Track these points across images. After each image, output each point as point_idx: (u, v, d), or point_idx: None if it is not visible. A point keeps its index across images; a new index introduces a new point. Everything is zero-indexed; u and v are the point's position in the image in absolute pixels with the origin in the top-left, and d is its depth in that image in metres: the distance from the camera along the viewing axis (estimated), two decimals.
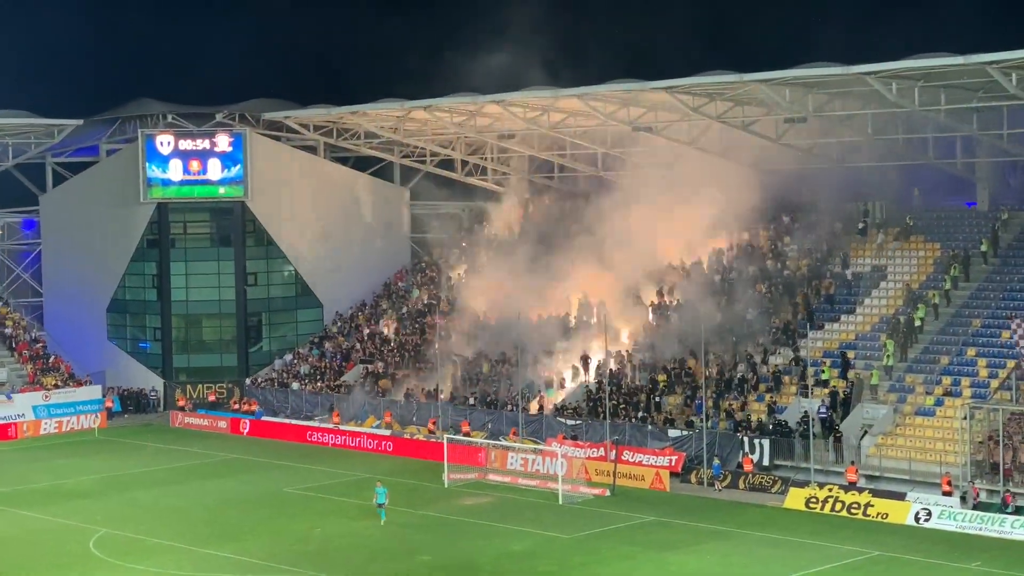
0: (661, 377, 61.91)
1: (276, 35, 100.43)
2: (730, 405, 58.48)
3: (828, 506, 50.07)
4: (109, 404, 74.47)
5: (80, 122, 79.46)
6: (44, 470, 61.25)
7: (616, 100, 65.39)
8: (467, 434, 61.08)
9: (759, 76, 57.29)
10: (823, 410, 55.36)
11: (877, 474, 52.41)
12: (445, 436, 58.76)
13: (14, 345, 76.41)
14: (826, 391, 56.82)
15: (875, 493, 50.04)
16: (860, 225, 66.33)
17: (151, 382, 78.70)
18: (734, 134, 65.77)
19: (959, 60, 52.12)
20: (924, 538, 46.36)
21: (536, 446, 58.21)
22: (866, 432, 54.57)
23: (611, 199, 72.01)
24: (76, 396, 72.69)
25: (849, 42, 70.81)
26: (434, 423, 64.01)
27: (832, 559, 43.69)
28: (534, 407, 63.21)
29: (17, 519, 51.37)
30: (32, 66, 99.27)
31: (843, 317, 61.83)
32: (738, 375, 60.23)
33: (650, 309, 67.50)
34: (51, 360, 75.84)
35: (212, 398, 76.29)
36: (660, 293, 67.87)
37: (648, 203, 68.78)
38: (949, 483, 49.48)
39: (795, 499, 51.09)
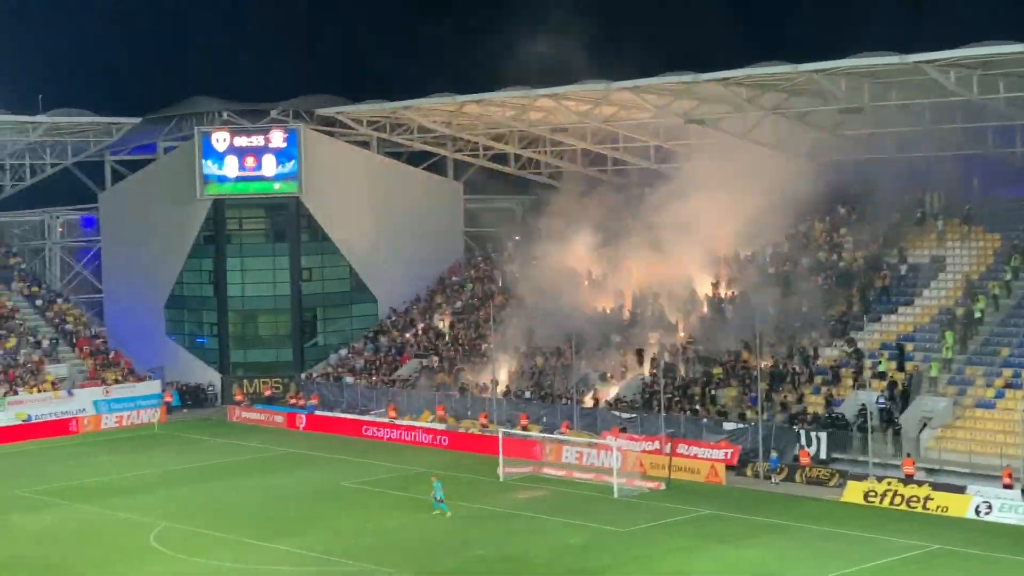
0: (716, 370, 61.68)
1: (325, 32, 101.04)
2: (785, 398, 58.18)
3: (887, 499, 49.68)
4: (168, 399, 75.17)
5: (138, 120, 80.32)
6: (105, 464, 61.94)
7: (669, 92, 65.20)
8: (525, 428, 61.14)
9: (814, 66, 56.87)
10: (881, 400, 54.93)
11: (937, 467, 51.96)
12: (500, 430, 58.85)
13: (75, 341, 77.28)
14: (884, 384, 56.39)
15: (935, 486, 49.56)
16: (918, 214, 65.78)
17: (208, 377, 79.39)
18: (788, 125, 65.38)
19: (1017, 48, 51.49)
20: (984, 531, 45.93)
21: (591, 439, 58.17)
22: (925, 425, 54.12)
23: (665, 192, 71.77)
24: (136, 391, 73.49)
25: (897, 32, 70.28)
26: (485, 417, 64.15)
27: (891, 553, 43.37)
28: (588, 400, 63.17)
29: (78, 513, 51.98)
30: (91, 65, 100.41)
31: (901, 309, 61.31)
32: (794, 368, 59.90)
33: (705, 301, 67.27)
34: (111, 355, 76.65)
35: (267, 393, 76.80)
36: (715, 285, 67.62)
37: (702, 195, 68.46)
38: (1010, 476, 48.94)
39: (853, 492, 50.73)
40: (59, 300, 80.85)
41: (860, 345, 58.71)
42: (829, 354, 60.14)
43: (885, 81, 58.73)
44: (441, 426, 65.07)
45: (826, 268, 65.88)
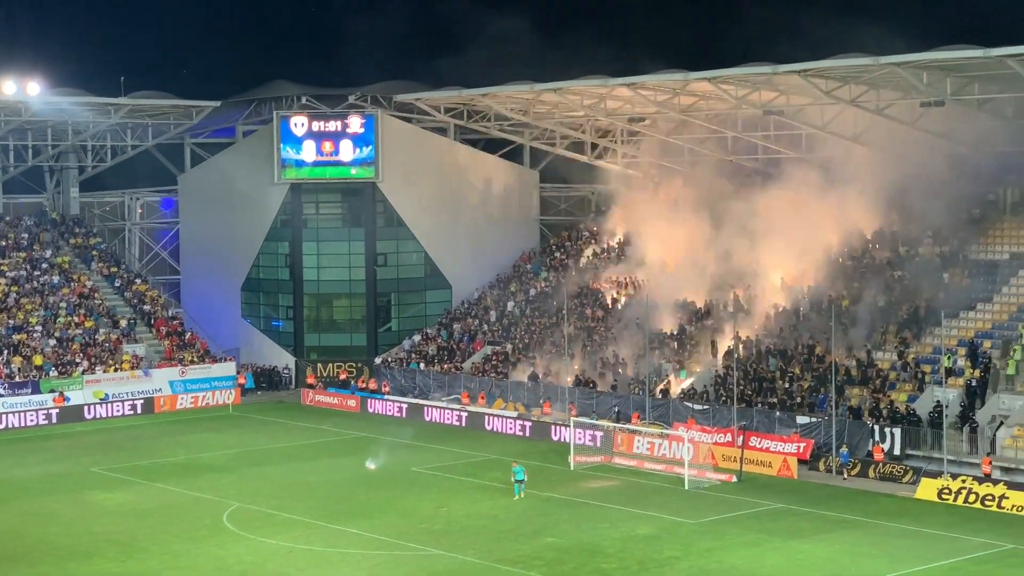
0: (795, 370, 61.18)
1: (404, 17, 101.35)
2: (860, 393, 57.67)
3: (961, 497, 49.14)
4: (242, 381, 75.87)
5: (218, 104, 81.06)
6: (180, 444, 62.70)
7: (748, 83, 64.76)
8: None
9: (896, 59, 56.23)
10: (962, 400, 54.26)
11: (1012, 466, 51.29)
12: (572, 419, 58.91)
13: (152, 321, 78.23)
14: (960, 381, 55.74)
15: (1010, 485, 48.94)
16: (996, 210, 64.91)
17: (283, 360, 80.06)
18: (868, 118, 64.70)
19: None
20: None
21: (662, 430, 58.04)
22: (1002, 423, 53.42)
23: (740, 184, 71.43)
24: (211, 372, 74.26)
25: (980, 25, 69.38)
26: (549, 406, 64.34)
27: (965, 551, 42.90)
28: (661, 391, 63.00)
29: (154, 492, 52.69)
30: (172, 49, 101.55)
31: (979, 305, 60.51)
32: (868, 363, 59.34)
33: (781, 295, 66.78)
34: (187, 336, 77.51)
35: (343, 376, 77.27)
36: (791, 279, 67.08)
37: (779, 188, 68.11)
38: None
39: (927, 490, 50.22)
40: (137, 281, 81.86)
41: (937, 341, 58.04)
42: (903, 350, 59.46)
43: (968, 75, 57.95)
44: (513, 414, 65.21)
45: (904, 263, 65.14)
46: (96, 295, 78.36)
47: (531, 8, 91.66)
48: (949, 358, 56.61)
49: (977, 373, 55.91)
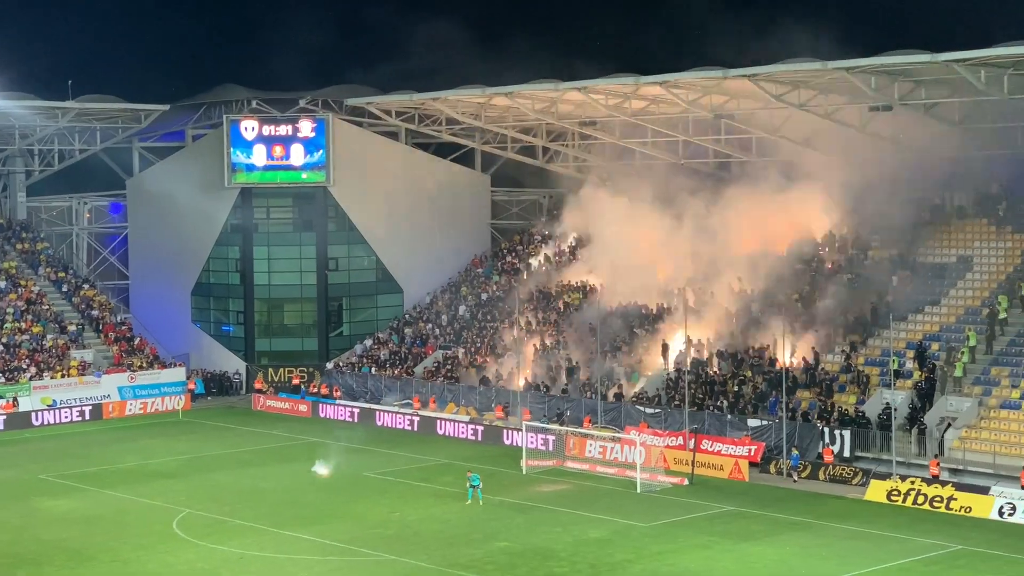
0: (742, 369, 61.52)
1: (356, 21, 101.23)
2: (810, 396, 58.04)
3: (910, 499, 49.57)
4: (192, 386, 75.38)
5: (167, 107, 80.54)
6: (129, 451, 62.23)
7: (698, 88, 65.05)
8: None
9: (844, 64, 56.66)
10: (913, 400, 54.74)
11: (960, 467, 51.81)
12: (524, 423, 58.93)
13: (101, 327, 77.61)
14: (909, 383, 56.23)
15: (958, 487, 49.45)
16: (943, 214, 65.54)
17: (234, 365, 79.63)
18: (817, 123, 65.17)
19: None
20: (1008, 532, 45.77)
21: (614, 434, 58.19)
22: (949, 425, 53.93)
23: (693, 188, 71.76)
24: (161, 378, 73.76)
25: (929, 30, 70.06)
26: (502, 410, 64.40)
27: (913, 553, 43.27)
28: (613, 395, 63.14)
29: (103, 499, 52.26)
30: (120, 52, 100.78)
31: (927, 308, 61.06)
32: (818, 365, 59.74)
33: (732, 298, 67.10)
34: (136, 342, 76.94)
35: (296, 381, 76.91)
36: (741, 282, 67.44)
37: (730, 192, 68.47)
38: None
39: (876, 491, 50.62)
40: (85, 286, 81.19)
41: (885, 344, 58.52)
42: (853, 352, 59.91)
43: (915, 80, 58.49)
44: (465, 418, 65.18)
45: (853, 266, 65.65)
46: (43, 300, 77.61)
47: (468, 14, 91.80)
48: (897, 361, 57.07)
49: (925, 375, 56.41)
